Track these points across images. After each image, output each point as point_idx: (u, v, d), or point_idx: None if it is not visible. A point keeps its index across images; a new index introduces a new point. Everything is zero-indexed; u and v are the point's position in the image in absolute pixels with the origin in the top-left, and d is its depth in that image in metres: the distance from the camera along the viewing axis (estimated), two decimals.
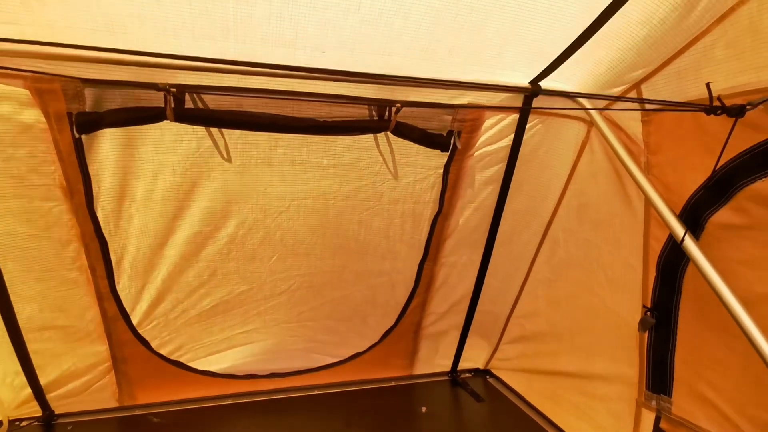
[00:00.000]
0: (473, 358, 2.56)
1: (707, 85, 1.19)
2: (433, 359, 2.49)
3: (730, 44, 1.21)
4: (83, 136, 1.41)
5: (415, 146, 1.74)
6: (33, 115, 1.35)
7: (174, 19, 1.23)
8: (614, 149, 1.57)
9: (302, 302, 2.09)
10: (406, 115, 1.60)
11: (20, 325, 1.69)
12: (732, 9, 1.19)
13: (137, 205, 1.62)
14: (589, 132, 1.75)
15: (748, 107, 1.12)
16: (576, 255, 1.88)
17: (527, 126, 1.82)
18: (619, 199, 1.64)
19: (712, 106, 1.16)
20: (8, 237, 1.52)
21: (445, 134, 1.72)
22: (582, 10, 1.34)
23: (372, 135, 1.68)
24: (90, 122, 1.37)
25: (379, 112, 1.60)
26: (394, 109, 1.53)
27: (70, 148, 1.43)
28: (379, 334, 2.30)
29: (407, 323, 2.29)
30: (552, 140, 1.86)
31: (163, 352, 2.01)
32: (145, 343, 1.95)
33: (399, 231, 1.97)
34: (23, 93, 1.31)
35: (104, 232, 1.62)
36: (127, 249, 1.70)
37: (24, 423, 1.89)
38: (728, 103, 1.18)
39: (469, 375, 2.56)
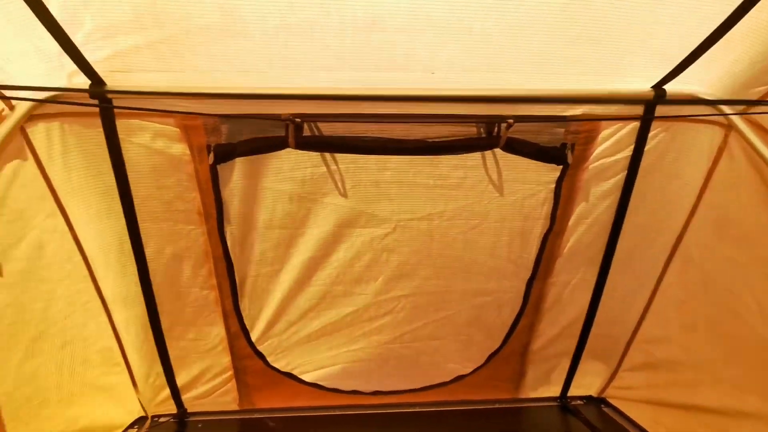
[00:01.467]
0: (586, 384, 2.36)
1: None
2: (542, 384, 2.35)
3: None
4: (218, 166, 1.58)
5: (525, 162, 1.69)
6: (180, 149, 1.55)
7: (297, 55, 1.35)
8: (762, 156, 1.39)
9: (406, 323, 2.10)
10: (514, 130, 1.56)
11: (164, 333, 1.91)
12: None
13: (258, 233, 1.76)
14: (726, 137, 1.56)
15: None
16: (715, 275, 1.66)
17: (650, 134, 1.67)
18: None
19: None
20: (157, 254, 1.74)
21: (558, 147, 1.64)
22: (714, 6, 1.21)
23: (480, 153, 1.66)
24: (225, 153, 1.54)
25: (488, 128, 1.59)
26: (504, 125, 1.50)
27: (207, 177, 1.61)
28: (484, 356, 2.22)
29: (514, 345, 2.19)
30: (680, 148, 1.69)
31: (277, 366, 2.14)
32: (262, 357, 2.10)
33: (506, 249, 1.91)
34: (174, 130, 1.52)
35: (231, 255, 1.78)
36: (249, 273, 1.85)
37: (162, 419, 2.12)
38: None
39: (581, 402, 2.36)
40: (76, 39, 1.23)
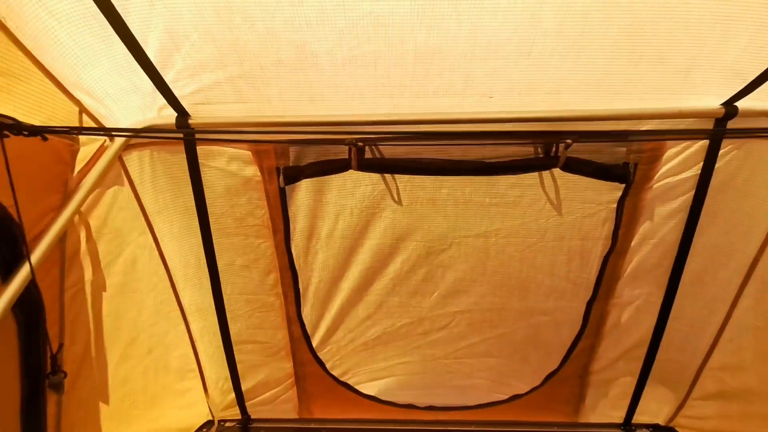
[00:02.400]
0: (652, 411, 2.25)
1: None
2: (603, 408, 2.26)
3: None
4: (287, 186, 1.69)
5: (585, 180, 1.67)
6: (252, 171, 1.68)
7: (360, 84, 1.43)
8: None
9: (460, 339, 2.12)
10: (573, 149, 1.56)
11: (232, 340, 2.05)
12: None
13: (321, 243, 1.86)
14: None
15: None
16: None
17: (720, 152, 1.60)
18: None
19: None
20: (229, 266, 1.89)
21: (621, 164, 1.62)
22: None
23: (538, 172, 1.67)
24: (293, 175, 1.65)
25: (546, 148, 1.59)
26: (563, 145, 1.50)
27: (275, 195, 1.73)
28: (541, 377, 2.19)
29: (573, 367, 2.14)
30: (754, 166, 1.60)
31: (335, 373, 2.22)
32: (321, 364, 2.19)
33: (565, 269, 1.88)
34: (247, 154, 1.65)
35: (296, 264, 1.89)
36: (312, 281, 1.96)
37: (228, 424, 2.26)
38: None
39: (648, 430, 2.25)
40: (168, 78, 1.38)
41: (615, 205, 1.72)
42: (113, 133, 1.37)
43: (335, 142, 1.60)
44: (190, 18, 1.20)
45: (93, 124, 1.37)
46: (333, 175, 1.69)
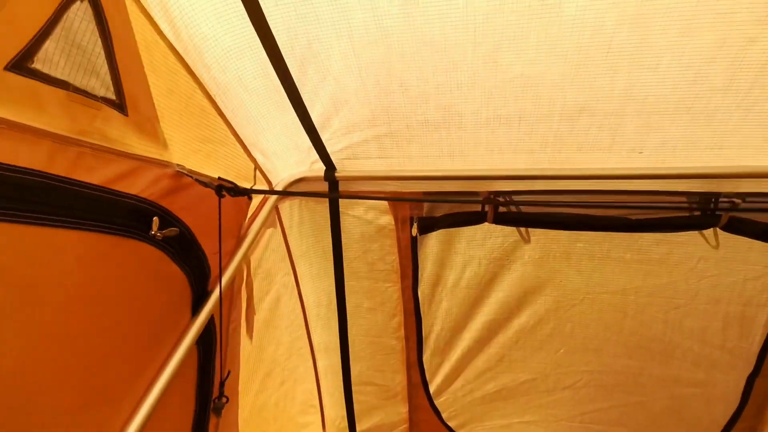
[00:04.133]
0: None
1: None
2: None
3: None
4: (419, 236, 1.76)
5: (747, 240, 1.51)
6: (386, 219, 1.78)
7: (501, 140, 1.47)
8: None
9: (588, 401, 1.97)
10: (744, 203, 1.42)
11: (351, 381, 2.12)
12: None
13: (446, 291, 1.88)
14: None
15: None
16: None
17: None
18: None
19: None
20: (356, 308, 1.98)
21: None
22: None
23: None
24: (428, 226, 1.72)
25: (702, 205, 1.47)
26: (729, 203, 1.38)
27: (407, 243, 1.80)
28: None
29: None
30: None
31: (451, 424, 2.17)
32: (437, 412, 2.16)
33: (720, 336, 1.68)
34: (383, 204, 1.76)
35: (421, 310, 1.93)
36: (434, 327, 1.97)
37: None
38: None
39: None
40: (324, 137, 1.55)
41: None
42: (299, 196, 1.58)
43: (469, 194, 1.64)
44: (354, 87, 1.34)
45: (262, 178, 1.57)
46: (466, 228, 1.72)
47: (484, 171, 1.56)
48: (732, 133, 1.28)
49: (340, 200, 1.79)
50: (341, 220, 1.82)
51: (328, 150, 1.61)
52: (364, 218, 1.80)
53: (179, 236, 1.11)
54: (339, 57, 1.25)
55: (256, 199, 1.58)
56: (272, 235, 1.71)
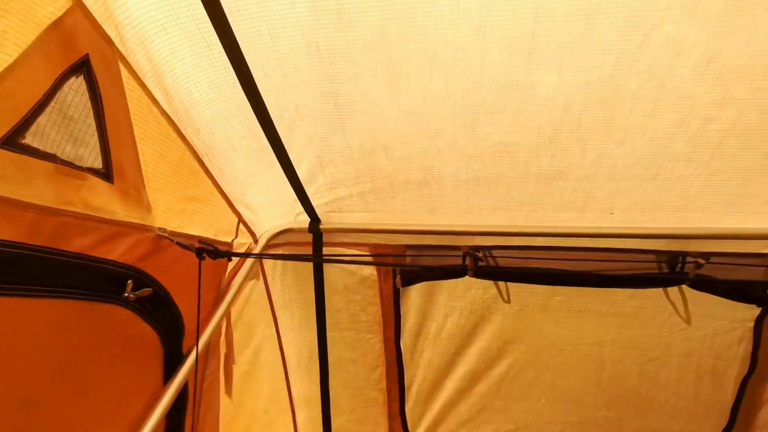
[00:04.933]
0: None
1: None
2: None
3: None
4: (402, 288, 1.78)
5: (714, 297, 1.57)
6: (369, 271, 1.80)
7: (480, 199, 1.52)
8: None
9: None
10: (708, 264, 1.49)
11: None
12: None
13: (428, 342, 1.89)
14: None
15: None
16: None
17: None
18: None
19: None
20: (338, 360, 1.96)
21: (755, 285, 1.51)
22: None
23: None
24: (410, 278, 1.74)
25: (670, 263, 1.54)
26: (694, 262, 1.46)
27: (389, 294, 1.82)
28: None
29: None
30: None
31: None
32: None
33: (693, 389, 1.72)
34: (366, 256, 1.78)
35: (403, 361, 1.92)
36: (416, 378, 1.97)
37: None
38: None
39: None
40: (309, 191, 1.58)
41: (752, 324, 1.58)
42: (280, 259, 1.61)
43: (450, 248, 1.68)
44: (339, 148, 1.39)
45: (246, 232, 1.58)
46: (446, 280, 1.75)
47: (464, 227, 1.61)
48: (695, 199, 1.36)
49: (323, 250, 1.81)
50: (324, 270, 1.83)
51: (313, 203, 1.64)
52: (348, 269, 1.81)
53: (153, 295, 1.11)
54: (325, 121, 1.30)
55: (238, 251, 1.59)
56: (254, 286, 1.71)
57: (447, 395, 1.97)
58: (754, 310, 1.57)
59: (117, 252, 1.01)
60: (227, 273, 1.55)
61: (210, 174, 1.30)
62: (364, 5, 0.96)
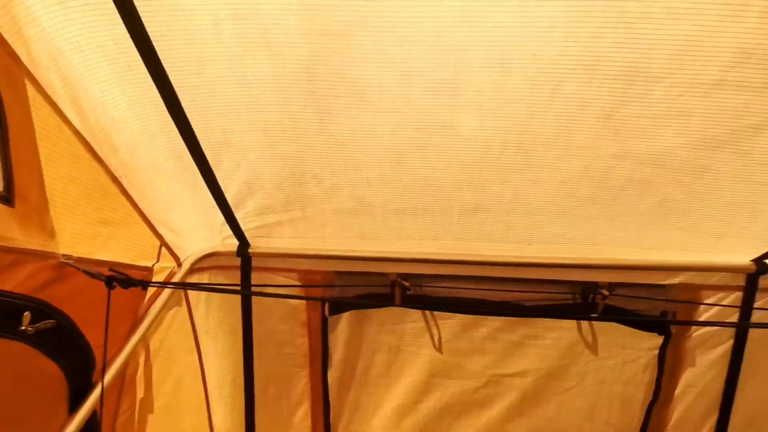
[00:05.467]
0: None
1: None
2: None
3: None
4: (330, 316, 1.77)
5: (622, 327, 1.70)
6: (297, 300, 1.78)
7: (409, 228, 1.56)
8: None
9: None
10: (611, 297, 1.61)
11: None
12: None
13: (356, 379, 1.88)
14: None
15: None
16: None
17: (756, 304, 1.63)
18: None
19: None
20: (262, 394, 1.90)
21: (658, 315, 1.65)
22: None
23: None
24: (338, 306, 1.74)
25: (584, 294, 1.65)
26: (600, 295, 1.57)
27: (317, 325, 1.80)
28: None
29: None
30: None
31: None
32: None
33: (606, 414, 1.83)
34: (294, 283, 1.76)
35: (330, 397, 1.89)
36: (343, 414, 1.94)
37: None
38: None
39: None
40: (238, 215, 1.55)
41: (656, 352, 1.72)
42: (200, 290, 1.55)
43: (379, 275, 1.70)
44: (268, 175, 1.38)
45: (169, 255, 1.52)
46: (376, 311, 1.76)
47: (393, 253, 1.64)
48: (602, 234, 1.48)
49: (252, 276, 1.77)
50: (252, 298, 1.78)
51: (242, 227, 1.61)
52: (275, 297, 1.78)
53: (56, 328, 1.03)
54: (254, 148, 1.29)
55: (160, 275, 1.52)
56: (177, 312, 1.63)
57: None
58: (658, 339, 1.70)
59: (13, 282, 0.94)
60: (146, 299, 1.47)
61: (129, 195, 1.25)
62: (291, 41, 0.98)
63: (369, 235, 1.63)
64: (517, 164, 1.26)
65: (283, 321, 1.81)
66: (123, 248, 1.28)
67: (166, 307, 1.53)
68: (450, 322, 1.77)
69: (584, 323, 1.72)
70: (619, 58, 0.95)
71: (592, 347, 1.74)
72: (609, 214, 1.39)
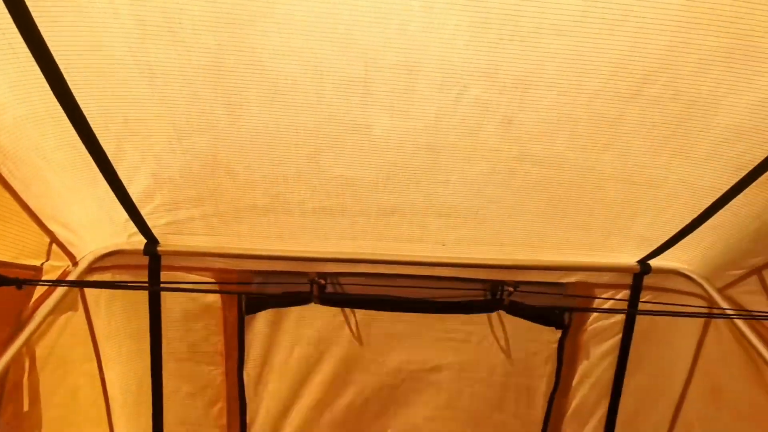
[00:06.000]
0: None
1: None
2: None
3: None
4: (247, 316, 1.72)
5: (526, 321, 1.81)
6: (213, 297, 1.71)
7: (327, 228, 1.56)
8: (742, 332, 1.51)
9: None
10: (517, 293, 1.72)
11: None
12: None
13: (274, 373, 1.85)
14: (711, 310, 1.70)
15: None
16: None
17: (640, 302, 1.82)
18: (759, 388, 1.51)
19: None
20: (173, 393, 1.81)
21: (557, 311, 1.78)
22: (682, 207, 1.44)
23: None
24: (255, 305, 1.69)
25: (493, 291, 1.75)
26: (506, 291, 1.67)
27: (234, 323, 1.74)
28: None
29: None
30: (670, 317, 1.82)
31: None
32: None
33: (513, 405, 1.95)
34: (211, 281, 1.69)
35: (246, 394, 1.84)
36: (260, 411, 1.90)
37: None
38: None
39: None
40: (144, 211, 1.46)
41: (556, 345, 1.86)
42: (98, 287, 1.44)
43: (297, 274, 1.68)
44: (177, 167, 1.32)
45: (62, 253, 1.39)
46: (294, 308, 1.74)
47: (311, 253, 1.63)
48: (507, 235, 1.58)
49: (163, 277, 1.67)
50: (162, 296, 1.69)
51: (149, 224, 1.52)
52: (189, 295, 1.70)
53: None
54: (161, 139, 1.23)
55: (52, 275, 1.38)
56: (72, 317, 1.50)
57: (292, 428, 1.93)
58: (557, 333, 1.84)
59: None
60: (32, 301, 1.33)
61: (10, 187, 1.13)
62: (195, 27, 0.95)
63: (287, 235, 1.60)
64: (429, 166, 1.31)
65: (197, 319, 1.73)
66: (2, 245, 1.15)
67: (58, 310, 1.40)
68: (368, 319, 1.79)
69: (494, 319, 1.81)
70: (516, 67, 1.02)
71: (501, 341, 1.85)
72: (513, 214, 1.48)
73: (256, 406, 1.88)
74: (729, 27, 0.90)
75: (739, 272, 1.59)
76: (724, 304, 1.59)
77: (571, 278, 1.78)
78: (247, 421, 1.88)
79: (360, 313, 1.79)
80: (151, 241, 1.58)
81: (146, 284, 1.59)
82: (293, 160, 1.30)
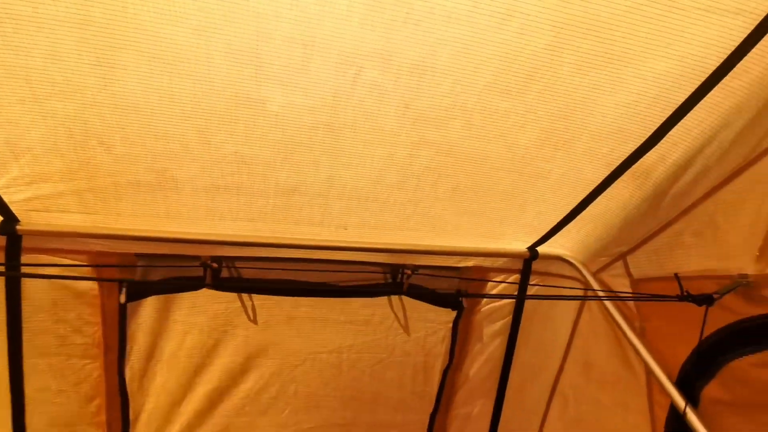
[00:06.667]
0: None
1: (676, 275, 1.36)
2: None
3: (696, 234, 1.40)
4: (129, 303, 1.57)
5: (426, 304, 1.88)
6: (88, 284, 1.53)
7: (222, 208, 1.47)
8: (609, 312, 1.70)
9: None
10: (416, 277, 1.77)
11: None
12: (693, 205, 1.41)
13: (162, 364, 1.72)
14: (585, 293, 1.89)
15: (716, 296, 1.27)
16: (587, 414, 1.89)
17: (529, 285, 1.97)
18: (620, 360, 1.72)
19: (683, 296, 1.30)
20: (40, 392, 1.60)
21: (454, 293, 1.87)
22: (564, 198, 1.57)
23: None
24: (139, 291, 1.55)
25: (393, 274, 1.78)
26: (405, 274, 1.71)
27: (114, 312, 1.58)
28: None
29: None
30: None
31: None
32: None
33: (411, 383, 2.02)
34: (84, 267, 1.51)
35: (128, 390, 1.70)
36: (145, 407, 1.76)
37: None
38: (700, 285, 1.33)
39: None
40: None
41: (451, 325, 1.95)
42: None
43: (189, 258, 1.57)
44: (38, 135, 1.15)
45: None
46: (185, 294, 1.62)
47: (204, 235, 1.53)
48: (407, 220, 1.61)
49: (24, 261, 1.47)
50: (23, 282, 1.48)
51: (5, 199, 1.32)
52: (58, 282, 1.51)
53: None
54: (14, 100, 1.06)
55: None
56: None
57: (185, 420, 1.82)
58: (452, 314, 1.93)
59: None
60: None
61: None
62: None
63: (176, 215, 1.48)
64: (329, 147, 1.28)
65: (69, 308, 1.54)
66: None
67: None
68: (267, 303, 1.74)
69: (394, 302, 1.85)
70: (411, 52, 1.02)
71: (400, 323, 1.90)
72: (413, 199, 1.51)
73: (141, 401, 1.74)
74: (602, 32, 0.98)
75: (609, 258, 1.78)
76: (597, 287, 1.77)
77: (468, 263, 1.87)
78: (131, 416, 1.74)
79: (258, 298, 1.73)
80: (10, 218, 1.37)
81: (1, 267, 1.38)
82: (180, 133, 1.20)
